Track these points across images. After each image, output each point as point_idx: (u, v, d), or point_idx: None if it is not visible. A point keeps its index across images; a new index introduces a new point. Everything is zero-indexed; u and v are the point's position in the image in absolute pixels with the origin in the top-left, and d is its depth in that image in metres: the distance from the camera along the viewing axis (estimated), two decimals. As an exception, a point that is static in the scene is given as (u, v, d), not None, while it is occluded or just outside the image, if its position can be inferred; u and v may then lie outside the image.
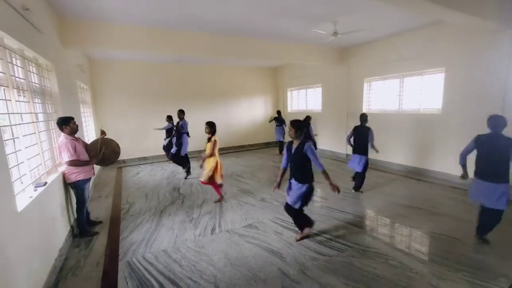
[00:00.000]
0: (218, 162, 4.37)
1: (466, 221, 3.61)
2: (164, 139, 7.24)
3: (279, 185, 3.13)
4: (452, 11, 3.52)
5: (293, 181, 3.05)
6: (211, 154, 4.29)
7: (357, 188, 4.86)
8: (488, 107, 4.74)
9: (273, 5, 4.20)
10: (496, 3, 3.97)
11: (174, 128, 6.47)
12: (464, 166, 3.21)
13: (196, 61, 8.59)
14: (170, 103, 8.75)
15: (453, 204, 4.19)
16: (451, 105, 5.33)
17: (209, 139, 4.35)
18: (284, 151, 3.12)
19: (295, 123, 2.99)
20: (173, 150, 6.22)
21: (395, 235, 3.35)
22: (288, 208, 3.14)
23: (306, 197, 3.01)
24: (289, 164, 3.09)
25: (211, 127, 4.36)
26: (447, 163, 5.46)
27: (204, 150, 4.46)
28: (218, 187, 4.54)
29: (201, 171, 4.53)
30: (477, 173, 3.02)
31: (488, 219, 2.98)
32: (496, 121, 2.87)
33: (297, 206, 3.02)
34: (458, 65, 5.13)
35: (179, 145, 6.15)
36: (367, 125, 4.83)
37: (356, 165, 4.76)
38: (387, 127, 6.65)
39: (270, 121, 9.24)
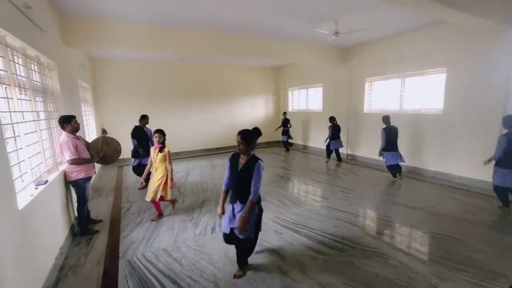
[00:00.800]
0: (167, 175, 3.80)
1: (466, 221, 3.60)
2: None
3: (223, 211, 2.56)
4: (454, 11, 3.51)
5: (237, 204, 2.43)
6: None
7: (400, 173, 5.61)
8: (490, 108, 4.75)
9: (276, 5, 4.19)
10: (498, 2, 3.96)
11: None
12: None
13: (198, 60, 8.59)
14: (171, 102, 8.78)
15: (454, 204, 4.18)
16: (453, 105, 5.32)
17: (160, 149, 3.73)
18: (227, 167, 2.50)
19: (245, 136, 2.29)
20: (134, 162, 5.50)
21: (395, 235, 3.35)
22: (238, 240, 2.45)
23: (259, 222, 2.56)
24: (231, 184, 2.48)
25: (164, 136, 3.78)
26: (448, 163, 5.45)
27: (157, 161, 3.74)
28: (159, 204, 3.92)
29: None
30: (504, 164, 3.65)
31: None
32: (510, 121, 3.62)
33: (252, 235, 2.46)
34: (460, 65, 5.12)
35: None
36: (392, 124, 5.40)
37: (397, 160, 5.34)
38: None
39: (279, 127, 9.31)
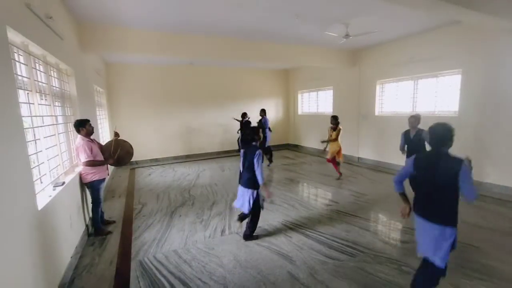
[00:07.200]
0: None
1: (484, 228, 3.46)
2: (238, 132, 8.20)
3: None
4: (469, 11, 3.42)
5: None
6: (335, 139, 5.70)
7: None
8: (507, 110, 4.57)
9: (286, 9, 4.22)
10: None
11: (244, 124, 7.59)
12: None
13: (209, 63, 8.72)
14: (183, 105, 8.94)
15: (471, 211, 4.03)
16: (468, 107, 5.15)
17: (334, 129, 5.67)
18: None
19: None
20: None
21: (409, 241, 3.25)
22: None
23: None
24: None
25: (336, 120, 5.73)
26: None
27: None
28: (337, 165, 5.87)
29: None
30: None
31: None
32: None
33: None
34: (476, 66, 4.96)
35: (264, 138, 6.99)
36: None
37: None
38: (400, 130, 6.49)
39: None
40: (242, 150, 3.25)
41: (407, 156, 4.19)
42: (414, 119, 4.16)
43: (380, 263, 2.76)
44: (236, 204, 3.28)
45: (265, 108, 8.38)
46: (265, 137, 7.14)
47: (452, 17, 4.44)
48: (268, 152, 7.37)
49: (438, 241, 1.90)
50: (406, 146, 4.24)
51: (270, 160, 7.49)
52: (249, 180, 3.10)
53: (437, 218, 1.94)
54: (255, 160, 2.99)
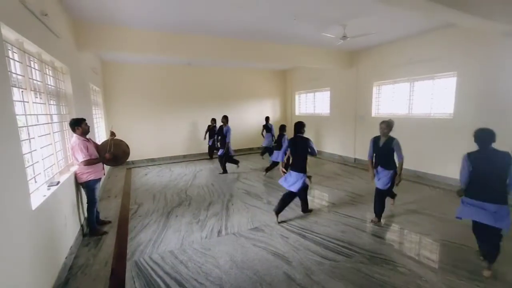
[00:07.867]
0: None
1: (479, 229, 3.50)
2: (209, 140, 8.58)
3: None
4: (462, 13, 3.46)
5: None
6: None
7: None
8: (502, 113, 4.63)
9: (286, 9, 4.23)
10: (508, 4, 3.88)
11: (217, 131, 7.42)
12: None
13: (207, 63, 8.69)
14: (181, 105, 8.91)
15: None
16: (463, 110, 5.21)
17: None
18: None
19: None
20: (220, 152, 6.78)
21: (404, 242, 3.28)
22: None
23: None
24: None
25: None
26: (458, 169, 5.31)
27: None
28: None
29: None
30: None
31: None
32: None
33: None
34: (471, 68, 5.02)
35: (227, 146, 6.67)
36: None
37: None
38: (396, 131, 6.54)
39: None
40: (288, 142, 3.89)
41: (374, 167, 3.72)
42: (386, 125, 3.62)
43: (376, 264, 2.77)
44: (284, 184, 3.86)
45: (234, 112, 8.48)
46: (228, 146, 6.58)
47: (448, 20, 4.49)
48: (230, 159, 6.90)
49: (497, 215, 2.43)
50: (374, 155, 3.77)
51: (236, 163, 7.01)
52: (301, 166, 3.74)
53: (496, 199, 2.46)
54: (312, 145, 3.75)
